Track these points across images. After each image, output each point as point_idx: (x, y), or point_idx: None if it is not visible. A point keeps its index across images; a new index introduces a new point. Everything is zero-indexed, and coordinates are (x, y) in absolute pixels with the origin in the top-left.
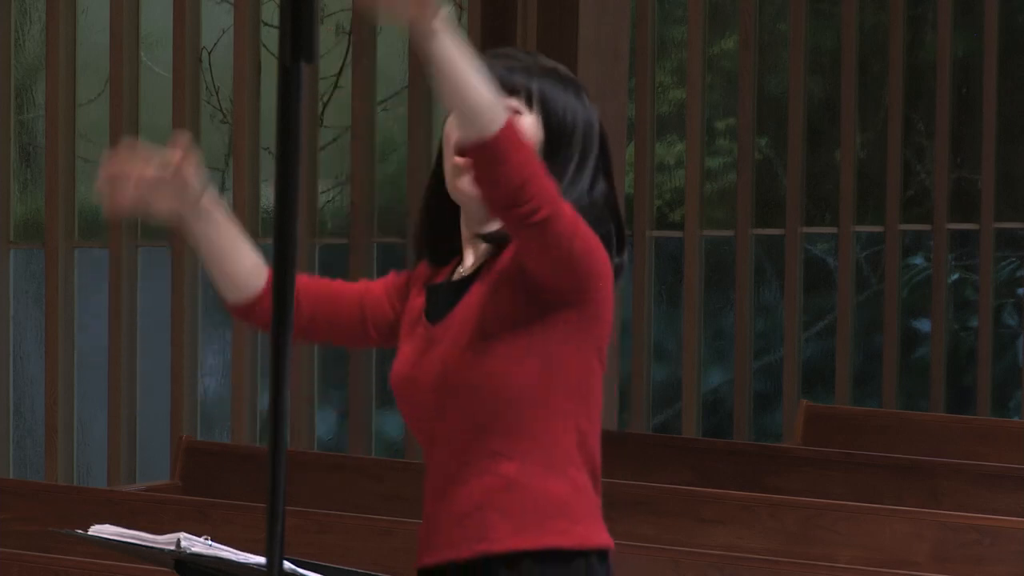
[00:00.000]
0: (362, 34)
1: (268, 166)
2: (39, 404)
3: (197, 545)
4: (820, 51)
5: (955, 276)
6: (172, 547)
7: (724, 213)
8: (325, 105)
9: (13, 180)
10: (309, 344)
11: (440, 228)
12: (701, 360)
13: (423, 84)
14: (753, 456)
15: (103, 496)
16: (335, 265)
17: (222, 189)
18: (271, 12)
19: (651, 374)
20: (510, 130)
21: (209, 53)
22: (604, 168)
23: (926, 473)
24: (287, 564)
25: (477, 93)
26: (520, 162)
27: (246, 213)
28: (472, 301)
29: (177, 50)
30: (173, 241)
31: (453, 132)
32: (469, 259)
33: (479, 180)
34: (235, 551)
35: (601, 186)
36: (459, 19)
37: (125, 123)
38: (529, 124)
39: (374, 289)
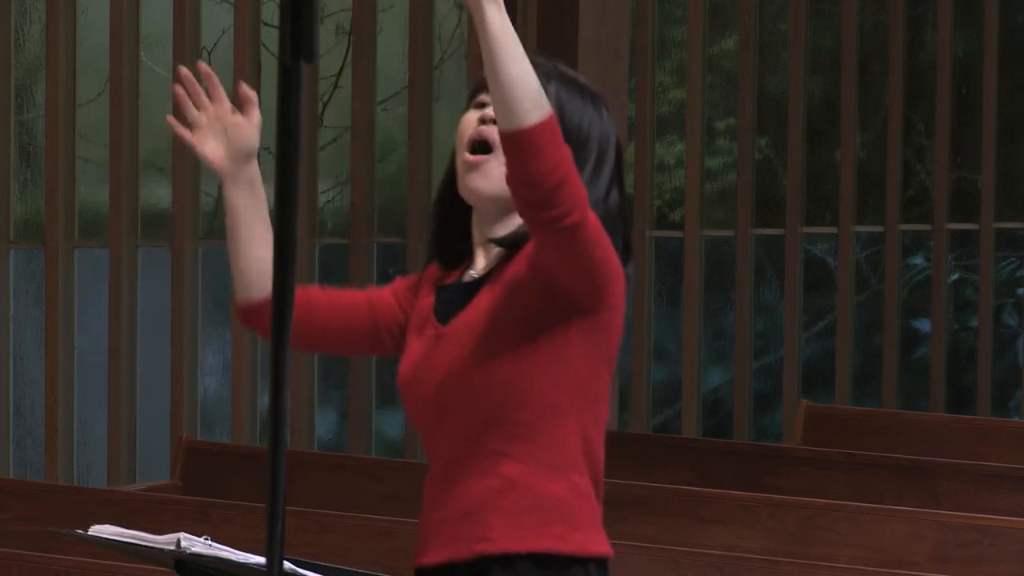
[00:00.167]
0: (362, 34)
1: (268, 166)
2: (39, 404)
3: (197, 545)
4: (820, 51)
5: (955, 276)
6: (172, 547)
7: (724, 213)
8: (325, 105)
9: (13, 180)
10: (321, 355)
11: (452, 230)
12: (701, 360)
13: (423, 84)
14: (753, 456)
15: (103, 496)
16: (335, 265)
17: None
18: (271, 12)
19: (651, 374)
20: (551, 124)
21: (209, 53)
22: (619, 180)
23: (926, 473)
24: (287, 564)
25: (525, 73)
26: (557, 160)
27: None
28: (482, 304)
29: (177, 50)
30: (173, 241)
31: (467, 129)
32: (480, 262)
33: (512, 177)
34: (235, 551)
35: (615, 196)
36: (459, 20)
37: (125, 123)
38: None
39: (383, 295)
